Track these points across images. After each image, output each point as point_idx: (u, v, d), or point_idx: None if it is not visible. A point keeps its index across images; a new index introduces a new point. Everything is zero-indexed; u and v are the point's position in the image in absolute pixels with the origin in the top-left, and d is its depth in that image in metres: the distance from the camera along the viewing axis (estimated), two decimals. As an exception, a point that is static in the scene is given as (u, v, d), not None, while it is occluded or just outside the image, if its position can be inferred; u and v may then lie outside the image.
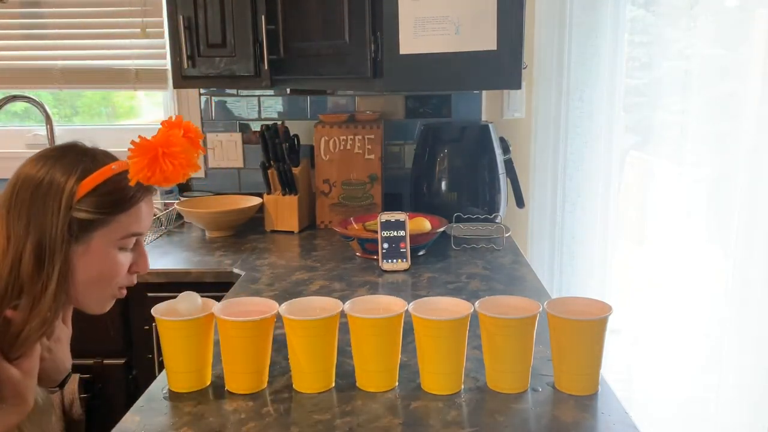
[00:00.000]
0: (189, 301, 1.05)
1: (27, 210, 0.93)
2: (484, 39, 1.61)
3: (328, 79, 1.87)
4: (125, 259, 1.01)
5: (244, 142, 2.29)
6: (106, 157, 1.00)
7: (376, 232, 1.68)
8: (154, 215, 2.11)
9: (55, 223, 0.92)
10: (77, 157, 0.97)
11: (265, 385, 1.05)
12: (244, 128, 2.29)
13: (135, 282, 1.05)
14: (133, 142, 0.95)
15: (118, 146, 1.03)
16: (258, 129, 2.14)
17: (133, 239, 1.01)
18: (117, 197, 0.97)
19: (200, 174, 2.32)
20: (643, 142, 2.18)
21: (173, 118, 0.99)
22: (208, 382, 1.07)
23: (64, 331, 1.06)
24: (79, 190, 0.94)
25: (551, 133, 2.18)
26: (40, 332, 0.93)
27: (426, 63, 1.63)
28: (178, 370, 1.05)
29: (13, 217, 0.93)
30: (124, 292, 1.05)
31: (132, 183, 0.95)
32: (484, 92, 2.22)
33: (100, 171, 0.96)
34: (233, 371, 1.04)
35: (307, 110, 2.27)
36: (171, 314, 1.04)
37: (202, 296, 1.08)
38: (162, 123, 0.99)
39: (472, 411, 0.97)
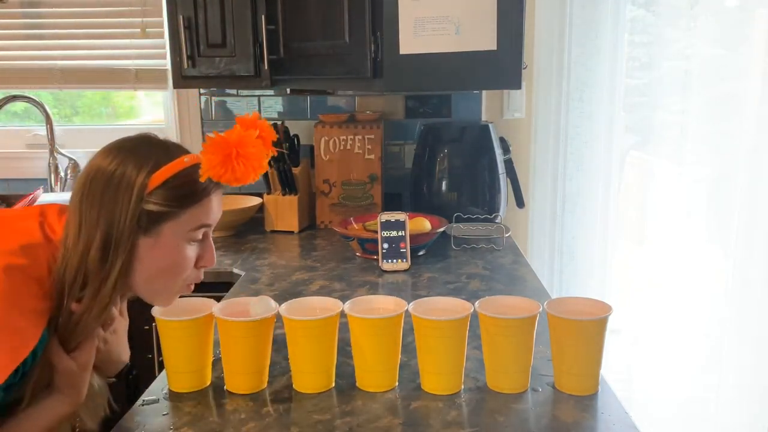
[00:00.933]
0: (262, 306, 1.05)
1: (99, 201, 0.93)
2: (484, 39, 1.61)
3: (328, 79, 1.87)
4: (192, 252, 1.01)
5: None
6: (178, 150, 1.00)
7: (376, 232, 1.68)
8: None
9: (124, 214, 0.93)
10: (150, 149, 0.98)
11: (265, 385, 1.05)
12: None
13: (202, 278, 1.05)
14: (208, 137, 0.95)
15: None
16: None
17: (202, 231, 1.01)
18: (188, 190, 0.97)
19: (200, 174, 2.31)
20: (643, 142, 2.18)
21: (249, 115, 0.99)
22: (208, 382, 1.07)
23: (121, 323, 1.08)
24: (150, 182, 0.94)
25: (551, 133, 2.18)
26: (98, 322, 0.95)
27: (426, 63, 1.63)
28: (178, 370, 1.05)
29: (85, 208, 0.94)
30: (192, 287, 1.05)
31: (203, 179, 0.95)
32: (484, 92, 2.22)
33: (172, 164, 0.96)
34: (233, 371, 1.04)
35: (307, 110, 2.27)
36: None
37: (202, 296, 1.08)
38: (237, 120, 0.99)
39: (472, 411, 0.97)
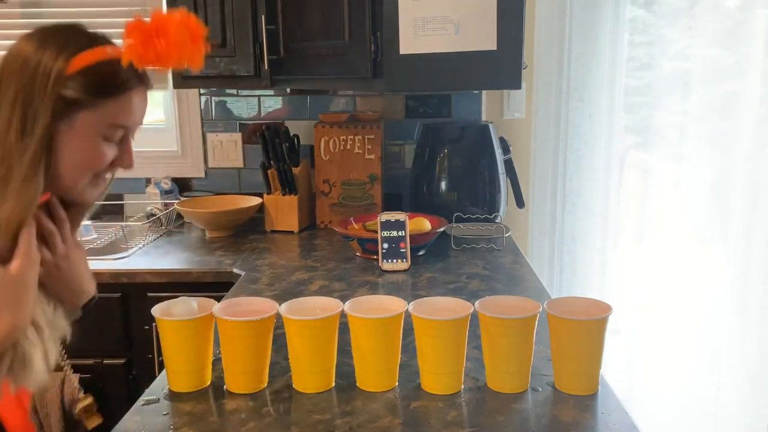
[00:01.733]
0: (185, 306, 1.05)
1: (16, 82, 0.91)
2: (484, 39, 1.61)
3: (328, 79, 1.87)
4: (109, 150, 0.97)
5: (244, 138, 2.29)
6: (104, 41, 0.97)
7: (376, 232, 1.68)
8: (154, 215, 2.11)
9: (40, 95, 0.90)
10: (73, 36, 0.95)
11: (265, 385, 1.05)
12: (244, 128, 2.29)
13: (114, 176, 1.02)
14: (126, 23, 0.93)
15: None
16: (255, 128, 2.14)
17: (120, 132, 0.97)
18: (107, 80, 0.94)
19: (200, 174, 2.32)
20: (643, 142, 2.18)
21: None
22: (208, 382, 1.07)
23: (74, 251, 1.02)
24: (69, 66, 0.91)
25: (551, 133, 2.18)
26: (21, 213, 0.90)
27: (426, 63, 1.63)
28: (178, 370, 1.05)
29: (3, 89, 0.91)
30: (104, 184, 1.01)
31: (124, 62, 0.92)
32: (484, 92, 2.22)
33: (94, 50, 0.93)
34: (233, 371, 1.04)
35: (307, 110, 2.27)
36: (167, 316, 1.04)
37: (201, 296, 1.08)
38: (151, 12, 0.97)
39: (472, 411, 0.97)
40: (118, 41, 0.99)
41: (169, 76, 2.16)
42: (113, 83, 0.94)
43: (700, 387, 2.11)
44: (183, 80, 1.91)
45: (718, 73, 2.02)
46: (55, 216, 1.01)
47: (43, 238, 0.98)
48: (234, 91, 2.26)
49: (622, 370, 2.20)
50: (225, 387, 1.05)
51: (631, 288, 2.19)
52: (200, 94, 2.28)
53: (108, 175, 1.01)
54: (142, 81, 0.98)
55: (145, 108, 1.01)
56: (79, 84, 0.92)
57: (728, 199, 2.03)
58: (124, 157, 1.00)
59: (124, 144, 0.99)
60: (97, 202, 1.06)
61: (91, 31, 0.98)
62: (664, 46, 2.09)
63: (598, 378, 1.02)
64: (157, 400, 1.02)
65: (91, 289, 1.07)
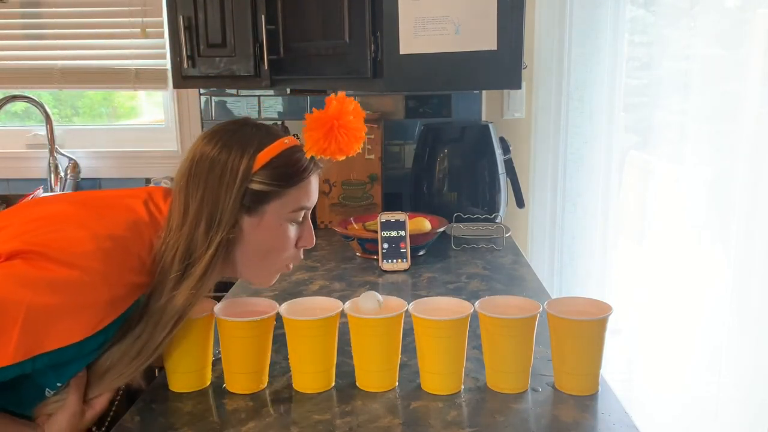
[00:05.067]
0: (371, 302, 1.04)
1: (204, 182, 0.96)
2: (484, 39, 1.61)
3: (328, 79, 1.87)
4: (293, 233, 1.05)
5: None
6: (277, 132, 1.04)
7: (376, 232, 1.68)
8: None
9: (230, 193, 0.96)
10: (252, 131, 1.02)
11: (265, 385, 1.05)
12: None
13: (302, 258, 1.09)
14: (308, 116, 1.00)
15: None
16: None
17: (302, 212, 1.05)
18: (292, 170, 1.01)
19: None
20: (643, 142, 2.18)
21: (336, 95, 1.03)
22: (208, 382, 1.07)
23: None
24: (256, 162, 0.97)
25: (551, 133, 2.18)
26: (195, 300, 0.95)
27: (426, 63, 1.63)
28: (178, 370, 1.05)
29: (191, 190, 0.97)
30: (291, 267, 1.09)
31: (308, 155, 1.00)
32: (484, 92, 2.22)
33: (276, 144, 1.00)
34: (233, 371, 1.04)
35: (307, 110, 2.26)
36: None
37: (202, 296, 1.08)
38: (328, 100, 1.03)
39: (472, 411, 0.97)
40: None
41: (169, 76, 2.16)
42: (297, 172, 1.02)
43: (700, 387, 2.11)
44: (183, 80, 1.90)
45: (718, 73, 2.02)
46: None
47: None
48: (234, 91, 2.26)
49: (622, 370, 2.20)
50: (225, 387, 1.05)
51: (631, 288, 2.19)
52: (200, 94, 2.28)
53: (296, 261, 1.09)
54: (317, 165, 1.07)
55: (317, 189, 1.09)
56: (266, 177, 0.99)
57: (728, 199, 2.03)
58: (306, 236, 1.08)
59: (304, 223, 1.07)
60: None
61: (262, 124, 1.05)
62: (664, 46, 2.09)
63: (598, 378, 1.02)
64: (157, 400, 1.02)
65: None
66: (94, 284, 0.87)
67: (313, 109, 1.02)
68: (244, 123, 1.05)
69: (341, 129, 1.01)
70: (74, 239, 0.89)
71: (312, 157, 1.04)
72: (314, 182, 1.07)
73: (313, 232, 1.09)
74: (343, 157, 1.03)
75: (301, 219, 1.05)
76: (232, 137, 1.00)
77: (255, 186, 0.98)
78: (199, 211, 0.96)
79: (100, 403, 0.96)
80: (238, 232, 0.99)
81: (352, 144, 1.02)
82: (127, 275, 0.91)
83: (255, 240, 1.01)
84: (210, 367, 1.07)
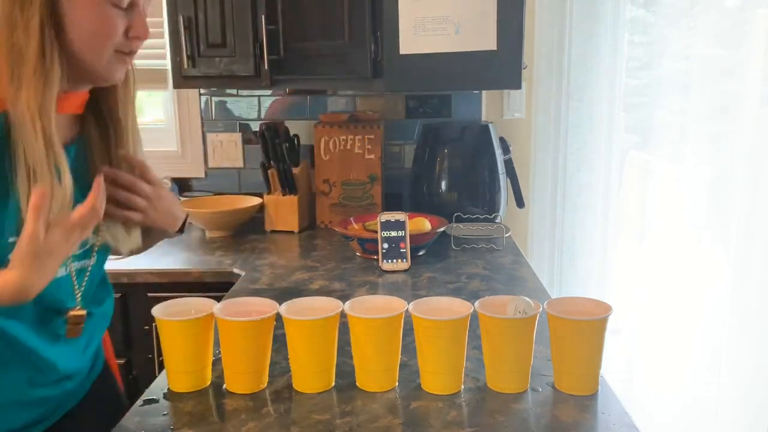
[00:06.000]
0: (521, 303, 1.03)
1: None
2: (484, 39, 1.61)
3: (328, 79, 1.87)
4: (120, 19, 0.95)
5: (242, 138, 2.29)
6: None
7: (376, 232, 1.68)
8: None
9: None
10: None
11: (265, 385, 1.05)
12: (244, 128, 2.29)
13: (136, 49, 0.99)
14: None
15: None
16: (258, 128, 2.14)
17: None
18: None
19: (200, 174, 2.32)
20: (643, 142, 2.18)
21: None
22: (208, 382, 1.07)
23: (159, 187, 1.08)
24: None
25: (551, 133, 2.18)
26: (41, 100, 0.88)
27: (426, 63, 1.64)
28: (178, 370, 1.05)
29: None
30: (128, 59, 1.00)
31: None
32: (484, 92, 2.22)
33: None
34: (233, 371, 1.04)
35: (307, 110, 2.27)
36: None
37: (202, 296, 1.08)
38: None
39: (472, 411, 0.97)
40: None
41: (169, 76, 2.16)
42: None
43: (700, 387, 2.11)
44: (183, 80, 1.91)
45: (718, 73, 2.02)
46: (134, 163, 1.05)
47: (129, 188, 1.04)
48: (234, 91, 2.26)
49: (622, 370, 2.20)
50: (225, 387, 1.05)
51: (631, 288, 2.19)
52: (200, 94, 2.28)
53: (128, 49, 0.98)
54: None
55: None
56: None
57: (728, 199, 2.03)
58: (137, 26, 0.97)
59: (133, 11, 0.97)
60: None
61: None
62: (664, 46, 2.09)
63: (598, 378, 1.02)
64: (157, 400, 1.02)
65: (182, 213, 1.16)
66: None
67: None
68: None
69: None
70: None
71: None
72: None
73: (146, 23, 0.97)
74: None
75: (124, 4, 0.94)
76: None
77: None
78: None
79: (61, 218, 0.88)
80: (60, 17, 0.90)
81: None
82: None
83: (76, 21, 0.91)
84: (210, 367, 1.07)
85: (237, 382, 1.04)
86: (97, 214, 0.90)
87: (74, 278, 1.01)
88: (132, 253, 1.13)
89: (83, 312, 1.02)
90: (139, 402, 1.02)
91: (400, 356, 1.06)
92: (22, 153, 0.87)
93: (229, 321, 1.01)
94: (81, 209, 0.88)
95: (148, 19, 1.00)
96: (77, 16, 0.92)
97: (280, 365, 1.10)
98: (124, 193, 1.05)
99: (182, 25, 1.83)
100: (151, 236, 1.17)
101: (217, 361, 1.08)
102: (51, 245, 0.86)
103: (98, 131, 1.04)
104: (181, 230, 1.18)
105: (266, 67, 1.82)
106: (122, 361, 1.74)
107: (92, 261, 1.05)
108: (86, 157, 1.03)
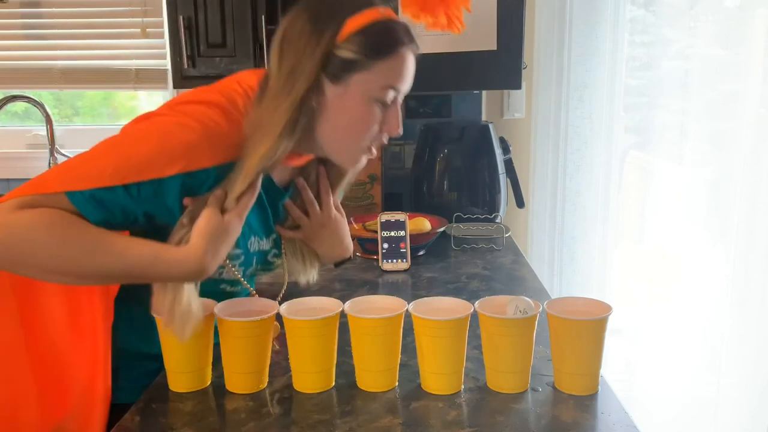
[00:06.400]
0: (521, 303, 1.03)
1: (291, 47, 0.96)
2: (484, 39, 1.61)
3: (328, 79, 1.87)
4: (378, 113, 1.01)
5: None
6: (375, 2, 1.00)
7: (376, 232, 1.68)
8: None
9: (311, 55, 0.94)
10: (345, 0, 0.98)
11: (265, 385, 1.05)
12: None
13: (385, 143, 1.06)
14: None
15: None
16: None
17: (392, 94, 1.00)
18: (382, 40, 0.97)
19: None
20: (643, 142, 2.18)
21: None
22: (208, 382, 1.07)
23: (329, 219, 1.15)
24: (345, 26, 0.95)
25: (551, 133, 2.18)
26: (262, 160, 0.95)
27: (426, 63, 1.63)
28: (178, 370, 1.05)
29: (284, 56, 0.97)
30: (374, 152, 1.06)
31: (404, 10, 0.96)
32: (484, 92, 2.22)
33: (370, 11, 0.97)
34: (233, 371, 1.04)
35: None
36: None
37: (202, 297, 1.08)
38: None
39: (472, 411, 0.97)
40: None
41: (169, 76, 2.16)
42: (388, 42, 0.98)
43: (700, 387, 2.11)
44: (183, 80, 1.91)
45: (718, 73, 2.02)
46: (320, 186, 1.13)
47: (304, 206, 1.13)
48: (234, 91, 2.26)
49: (622, 370, 2.20)
50: (225, 387, 1.05)
51: (631, 288, 2.19)
52: (200, 94, 2.27)
53: (374, 144, 1.05)
54: (413, 40, 1.01)
55: (413, 73, 1.03)
56: (354, 44, 0.95)
57: (728, 199, 2.03)
58: (392, 122, 1.03)
59: (392, 108, 1.02)
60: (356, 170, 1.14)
61: None
62: (664, 46, 2.09)
63: (598, 378, 1.02)
64: (157, 400, 1.02)
65: (344, 253, 1.21)
66: (221, 131, 0.95)
67: None
68: None
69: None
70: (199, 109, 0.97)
71: (408, 31, 1.00)
72: (408, 62, 1.00)
73: (401, 121, 1.03)
74: (439, 30, 0.97)
75: (389, 101, 1.00)
76: (326, 4, 0.98)
77: (342, 53, 0.95)
78: (281, 67, 0.96)
79: (238, 206, 0.98)
80: (322, 100, 0.98)
81: (450, 11, 0.94)
82: (232, 138, 0.96)
83: (337, 111, 0.98)
84: (210, 367, 1.07)
85: (237, 382, 1.04)
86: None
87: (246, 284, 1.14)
88: (308, 283, 1.24)
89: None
90: (139, 402, 1.02)
91: (400, 356, 1.06)
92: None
93: (229, 321, 1.01)
94: (246, 198, 0.98)
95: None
96: (341, 106, 0.98)
97: (280, 365, 1.10)
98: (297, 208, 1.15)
99: (182, 25, 1.83)
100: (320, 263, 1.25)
101: (217, 361, 1.08)
102: (228, 225, 0.97)
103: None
104: (336, 264, 1.24)
105: (266, 67, 1.82)
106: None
107: (260, 276, 1.21)
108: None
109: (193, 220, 0.96)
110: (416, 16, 0.97)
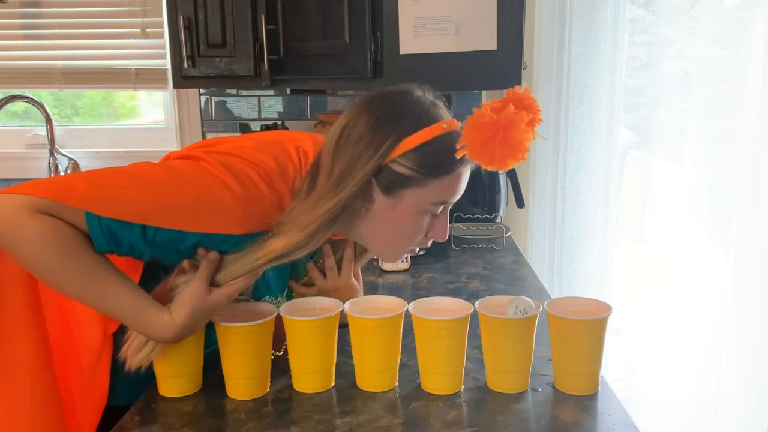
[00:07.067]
0: (521, 303, 1.02)
1: (346, 152, 0.95)
2: (484, 39, 1.61)
3: (328, 79, 1.87)
4: (427, 223, 1.00)
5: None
6: (441, 112, 0.98)
7: (376, 232, 1.67)
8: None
9: (362, 167, 0.94)
10: (412, 106, 0.97)
11: (267, 389, 1.04)
12: (244, 128, 2.29)
13: (428, 245, 1.06)
14: (476, 111, 0.88)
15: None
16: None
17: (441, 207, 1.00)
18: (439, 160, 0.95)
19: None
20: (643, 142, 2.18)
21: (521, 91, 0.91)
22: (200, 387, 1.05)
23: (346, 286, 1.16)
24: (401, 145, 0.93)
25: (551, 133, 2.18)
26: (285, 246, 0.95)
27: (426, 63, 1.63)
28: (178, 374, 1.03)
29: (336, 156, 0.95)
30: (417, 251, 1.06)
31: (458, 155, 0.91)
32: (484, 92, 2.22)
33: (430, 129, 0.94)
34: (234, 377, 1.02)
35: (307, 110, 2.27)
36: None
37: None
38: (509, 93, 0.90)
39: (472, 411, 0.97)
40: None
41: (169, 76, 2.16)
42: (444, 163, 0.96)
43: (700, 387, 2.11)
44: (183, 80, 1.91)
45: (718, 73, 2.02)
46: (345, 253, 1.14)
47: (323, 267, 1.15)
48: (234, 91, 2.26)
49: (622, 370, 2.20)
50: (226, 392, 1.04)
51: (631, 288, 2.19)
52: (200, 94, 2.28)
53: (420, 246, 1.05)
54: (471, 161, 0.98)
55: (467, 179, 1.02)
56: (411, 161, 0.94)
57: (728, 199, 2.03)
58: (438, 230, 1.03)
59: (441, 217, 1.02)
60: None
61: (428, 96, 1.00)
62: (664, 46, 2.09)
63: (598, 378, 1.02)
64: (157, 400, 1.02)
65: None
66: (254, 198, 0.95)
67: (483, 105, 0.88)
68: (407, 92, 0.99)
69: (504, 143, 0.86)
70: (246, 166, 0.96)
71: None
72: (464, 176, 0.99)
73: (448, 226, 1.04)
74: (493, 170, 0.93)
75: (439, 212, 1.00)
76: (389, 111, 0.96)
77: (397, 167, 0.94)
78: (333, 167, 0.95)
79: (230, 285, 0.97)
80: (370, 206, 0.98)
81: (509, 160, 0.88)
82: (269, 208, 0.96)
83: (386, 221, 0.98)
84: (201, 372, 1.06)
85: (239, 388, 1.02)
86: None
87: None
88: None
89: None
90: (139, 402, 1.02)
91: (400, 356, 1.06)
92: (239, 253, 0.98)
93: (227, 326, 0.99)
94: (241, 282, 0.98)
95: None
96: (390, 217, 0.98)
97: (280, 365, 1.10)
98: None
99: (182, 25, 1.83)
100: None
101: (217, 364, 1.07)
102: (213, 303, 0.96)
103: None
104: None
105: (266, 67, 1.82)
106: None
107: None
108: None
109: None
110: (474, 157, 0.91)
